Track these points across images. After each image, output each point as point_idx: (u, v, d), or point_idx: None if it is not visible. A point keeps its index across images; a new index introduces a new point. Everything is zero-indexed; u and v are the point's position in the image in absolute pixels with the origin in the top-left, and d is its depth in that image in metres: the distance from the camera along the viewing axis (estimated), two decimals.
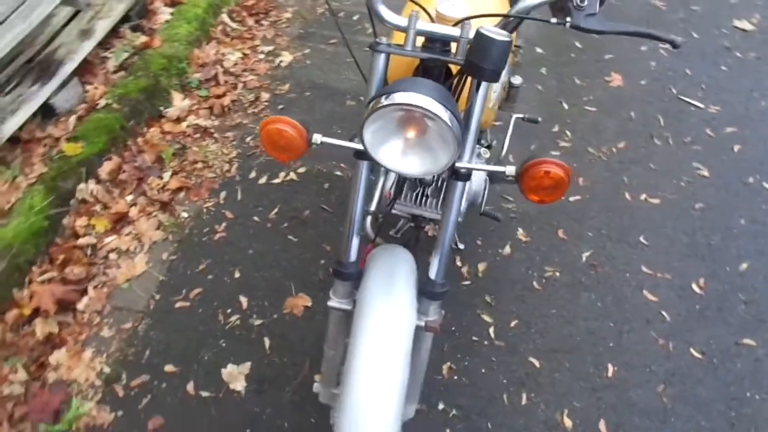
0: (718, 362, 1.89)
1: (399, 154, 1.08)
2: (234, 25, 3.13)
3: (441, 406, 1.76)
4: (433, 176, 1.56)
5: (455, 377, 1.83)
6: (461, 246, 2.14)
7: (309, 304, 1.98)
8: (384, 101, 1.00)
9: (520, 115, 2.04)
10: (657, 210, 2.34)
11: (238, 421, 1.72)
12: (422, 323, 1.27)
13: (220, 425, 1.72)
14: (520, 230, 2.23)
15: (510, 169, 1.13)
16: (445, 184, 1.55)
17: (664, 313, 2.01)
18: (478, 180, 1.74)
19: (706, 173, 2.48)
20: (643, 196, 2.38)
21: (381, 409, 1.11)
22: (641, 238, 2.23)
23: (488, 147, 1.91)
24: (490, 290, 2.05)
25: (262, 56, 2.98)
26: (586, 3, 1.03)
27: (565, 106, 2.77)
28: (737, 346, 1.93)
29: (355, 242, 1.28)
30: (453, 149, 1.04)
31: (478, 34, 0.99)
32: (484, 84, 1.09)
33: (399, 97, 0.99)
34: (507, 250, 2.17)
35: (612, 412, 1.77)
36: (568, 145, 2.58)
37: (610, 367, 1.87)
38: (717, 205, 2.36)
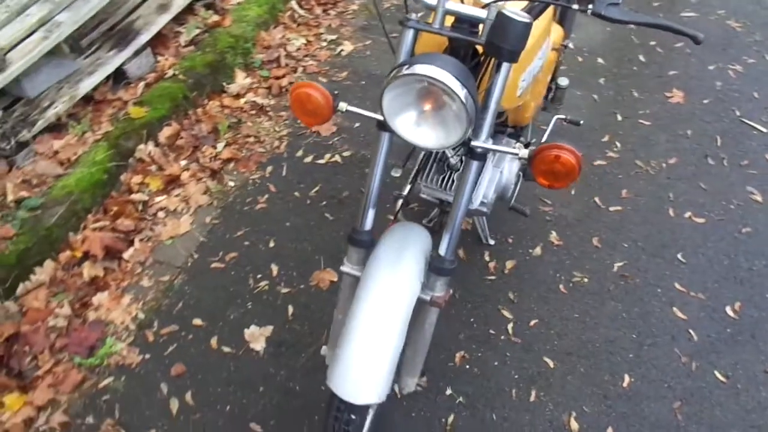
0: (742, 388, 1.83)
1: (414, 125, 1.12)
2: (302, 12, 3.26)
3: (448, 392, 1.79)
4: (460, 161, 1.60)
5: (467, 366, 1.85)
6: (491, 241, 2.16)
7: (335, 279, 2.05)
8: (404, 71, 1.06)
9: (562, 116, 2.04)
10: (700, 229, 2.27)
11: (253, 378, 1.81)
12: (428, 297, 1.31)
13: (237, 380, 1.81)
14: (554, 233, 2.23)
15: (523, 152, 1.16)
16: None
17: (691, 332, 1.96)
18: (508, 173, 1.76)
19: (759, 198, 2.39)
20: (687, 214, 2.32)
21: (370, 369, 1.16)
22: (679, 255, 2.18)
23: (526, 145, 1.92)
24: (515, 288, 2.05)
25: (324, 44, 3.09)
26: None
27: (619, 117, 2.73)
28: (765, 375, 1.86)
29: (371, 212, 1.33)
30: (465, 125, 1.08)
31: (500, 14, 1.03)
32: (505, 65, 1.12)
33: (419, 68, 1.04)
34: (537, 251, 2.17)
35: (621, 421, 1.75)
36: (615, 156, 2.54)
37: (626, 378, 1.84)
38: (766, 231, 2.27)
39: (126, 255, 2.11)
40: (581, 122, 2.10)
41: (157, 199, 2.28)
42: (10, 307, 1.88)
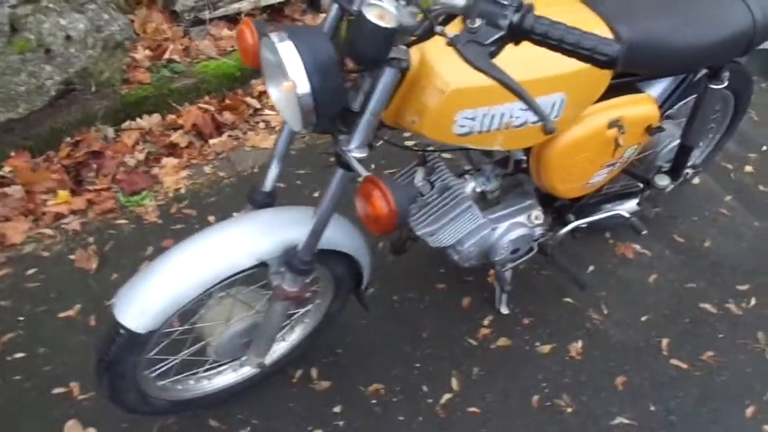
0: None
1: (275, 96, 1.04)
2: None
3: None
4: (429, 185, 1.43)
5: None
6: (504, 310, 1.86)
7: None
8: (268, 35, 0.98)
9: (625, 213, 1.63)
10: None
11: None
12: (275, 283, 1.25)
13: None
14: (579, 344, 1.83)
15: (362, 169, 1.00)
16: (445, 199, 1.40)
17: None
18: (502, 234, 1.51)
19: None
20: None
21: (143, 297, 1.16)
22: None
23: (571, 227, 1.61)
24: (487, 366, 1.77)
25: None
26: (477, 26, 0.81)
27: None
28: None
29: (273, 171, 1.31)
30: (300, 116, 0.97)
31: (359, 13, 0.88)
32: (388, 71, 0.96)
33: (273, 36, 0.96)
34: (545, 348, 1.82)
35: None
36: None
37: None
38: None
39: (211, 141, 2.37)
40: (645, 232, 1.65)
41: (267, 111, 2.49)
42: (109, 132, 2.29)
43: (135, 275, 1.19)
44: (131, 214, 2.14)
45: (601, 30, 1.23)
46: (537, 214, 1.52)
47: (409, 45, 1.00)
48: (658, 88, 1.51)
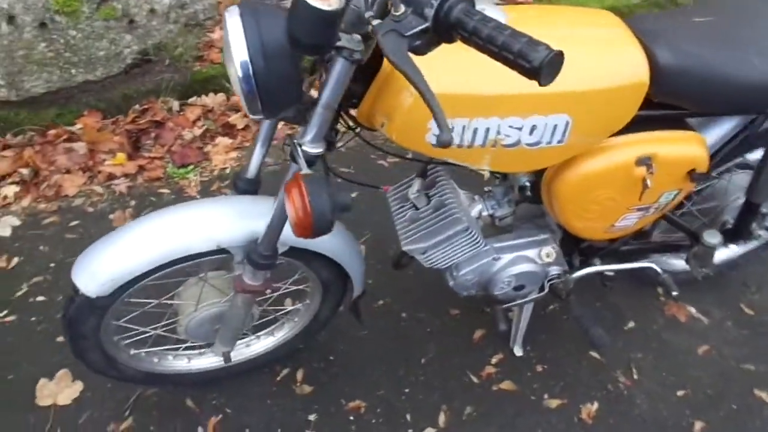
0: None
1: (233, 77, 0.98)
2: None
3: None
4: (426, 199, 1.31)
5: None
6: (518, 352, 1.69)
7: None
8: (229, 9, 0.93)
9: (659, 269, 1.39)
10: None
11: None
12: (239, 276, 1.21)
13: None
14: (594, 406, 1.62)
15: (302, 164, 0.92)
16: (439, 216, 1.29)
17: None
18: (506, 267, 1.36)
19: None
20: None
21: (99, 262, 1.15)
22: None
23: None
24: (479, 406, 1.61)
25: None
26: (400, 13, 0.69)
27: None
28: None
29: (256, 158, 1.27)
30: (245, 97, 0.91)
31: None
32: (340, 62, 0.87)
33: (232, 9, 0.90)
34: (552, 403, 1.62)
35: None
36: None
37: None
38: None
39: None
40: (675, 293, 1.40)
41: None
42: (174, 105, 2.38)
43: (97, 240, 1.20)
44: (175, 185, 2.20)
45: (631, 51, 1.06)
46: (549, 251, 1.35)
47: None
48: (718, 128, 1.28)
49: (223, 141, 2.33)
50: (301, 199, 0.83)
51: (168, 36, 2.36)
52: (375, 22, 0.73)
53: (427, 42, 0.73)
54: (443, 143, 0.68)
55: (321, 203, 0.82)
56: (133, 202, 2.13)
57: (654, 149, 1.16)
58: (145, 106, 2.35)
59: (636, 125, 1.13)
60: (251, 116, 0.95)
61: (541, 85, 0.66)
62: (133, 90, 2.34)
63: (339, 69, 0.87)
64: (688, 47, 1.09)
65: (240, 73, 0.88)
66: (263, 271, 1.18)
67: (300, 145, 0.96)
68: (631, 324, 1.80)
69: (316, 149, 0.97)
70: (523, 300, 1.43)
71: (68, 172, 2.20)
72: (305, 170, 0.91)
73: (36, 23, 2.13)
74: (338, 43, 0.83)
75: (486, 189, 1.42)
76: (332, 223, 0.84)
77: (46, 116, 2.28)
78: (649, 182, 1.16)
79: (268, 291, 1.23)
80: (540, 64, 0.63)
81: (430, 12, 0.70)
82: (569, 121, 1.03)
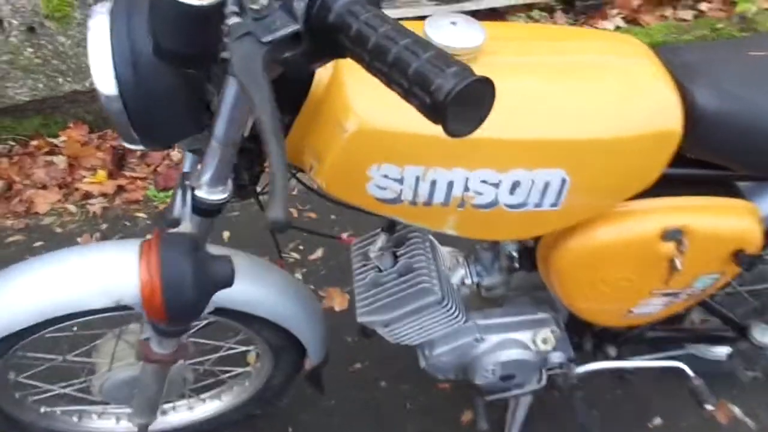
0: None
1: None
2: None
3: None
4: (393, 258, 1.05)
5: None
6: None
7: None
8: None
9: (691, 372, 1.08)
10: None
11: None
12: (144, 341, 0.97)
13: None
14: None
15: (178, 211, 0.68)
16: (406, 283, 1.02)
17: None
18: (505, 350, 1.08)
19: None
20: None
21: None
22: None
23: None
24: None
25: None
26: (260, 6, 0.45)
27: None
28: None
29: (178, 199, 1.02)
30: (118, 124, 0.68)
31: None
32: (230, 82, 0.62)
33: (96, 6, 0.68)
34: None
35: None
36: None
37: None
38: None
39: None
40: (709, 407, 1.07)
41: None
42: None
43: None
44: (153, 210, 2.00)
45: (660, 89, 0.78)
46: (546, 336, 1.06)
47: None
48: None
49: None
50: (148, 271, 0.58)
51: None
52: (232, 20, 0.49)
53: (302, 54, 0.48)
54: (275, 223, 0.43)
55: (178, 280, 0.58)
56: (104, 226, 1.94)
57: (686, 220, 0.86)
58: None
59: (663, 187, 0.84)
60: (129, 146, 0.72)
61: (448, 133, 0.40)
62: None
63: (230, 92, 0.63)
64: (737, 89, 0.80)
65: (104, 90, 0.65)
66: (169, 339, 0.93)
67: (192, 189, 0.71)
68: (658, 420, 1.47)
69: (214, 195, 0.72)
70: (514, 393, 1.14)
71: (44, 187, 2.04)
72: (181, 227, 0.67)
73: (24, 27, 1.99)
74: (223, 54, 0.58)
75: (477, 246, 1.15)
76: (199, 309, 0.60)
77: (29, 126, 2.14)
78: (678, 263, 0.87)
79: (181, 361, 0.99)
80: (445, 98, 0.38)
81: (300, 6, 0.45)
82: (566, 179, 0.75)
